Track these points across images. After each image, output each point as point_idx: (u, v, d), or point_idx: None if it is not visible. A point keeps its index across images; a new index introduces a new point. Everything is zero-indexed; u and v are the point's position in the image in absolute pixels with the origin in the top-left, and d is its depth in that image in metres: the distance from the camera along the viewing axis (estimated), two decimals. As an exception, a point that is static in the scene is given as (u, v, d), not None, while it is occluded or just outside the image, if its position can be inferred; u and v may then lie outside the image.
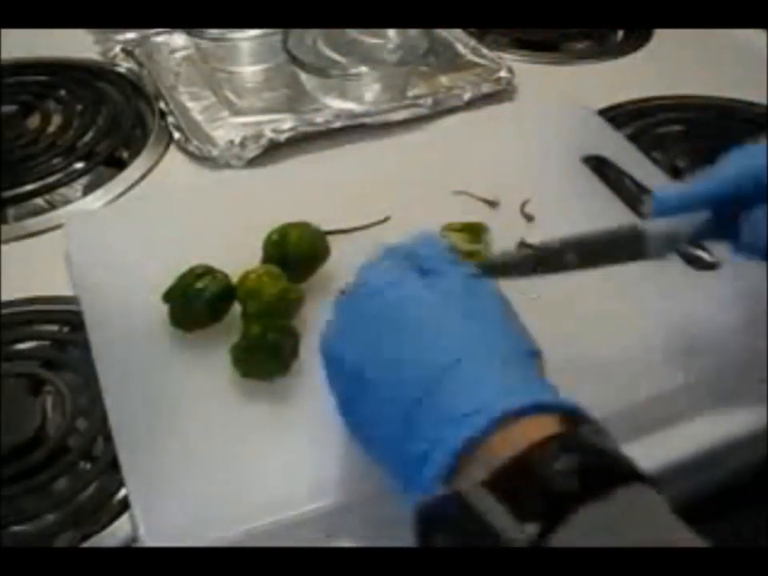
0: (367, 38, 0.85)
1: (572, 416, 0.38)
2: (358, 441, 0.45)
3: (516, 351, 0.42)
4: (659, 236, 0.50)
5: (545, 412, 0.38)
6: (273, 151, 0.75)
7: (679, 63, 0.88)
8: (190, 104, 0.81)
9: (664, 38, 0.93)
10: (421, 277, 0.45)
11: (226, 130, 0.77)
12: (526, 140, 0.74)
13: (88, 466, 0.53)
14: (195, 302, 0.56)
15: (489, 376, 0.40)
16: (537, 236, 0.64)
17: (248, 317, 0.56)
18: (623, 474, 0.36)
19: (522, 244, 0.63)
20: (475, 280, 0.45)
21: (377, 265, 0.46)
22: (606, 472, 0.35)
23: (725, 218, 0.50)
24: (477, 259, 0.62)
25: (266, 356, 0.54)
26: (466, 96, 0.82)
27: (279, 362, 0.54)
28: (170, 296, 0.57)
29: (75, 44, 0.90)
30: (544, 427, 0.37)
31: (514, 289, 0.48)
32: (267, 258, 0.59)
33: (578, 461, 0.35)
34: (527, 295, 0.58)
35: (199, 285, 0.56)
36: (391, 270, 0.46)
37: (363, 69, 0.81)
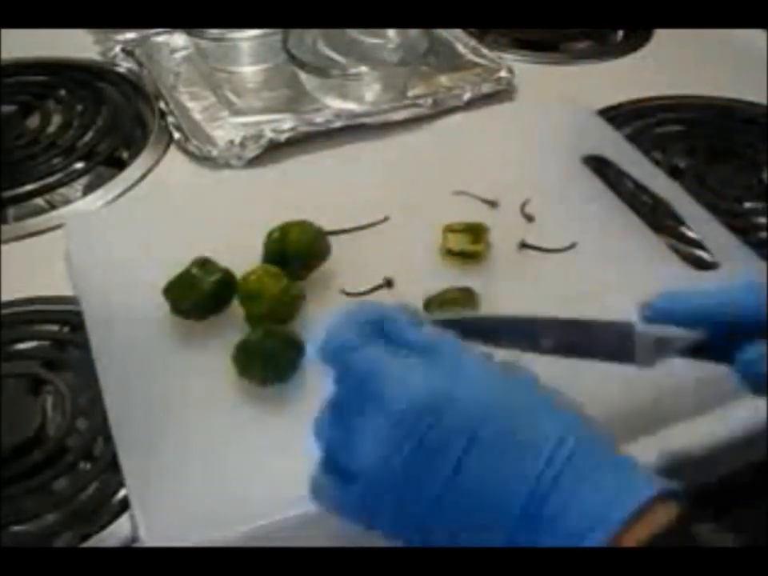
0: (367, 37, 0.85)
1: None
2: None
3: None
4: (648, 341, 0.46)
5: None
6: (273, 151, 0.75)
7: (679, 63, 0.88)
8: (190, 104, 0.81)
9: (664, 38, 0.93)
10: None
11: (226, 130, 0.77)
12: (525, 140, 0.74)
13: (88, 466, 0.53)
14: (196, 287, 0.57)
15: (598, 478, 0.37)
16: (537, 236, 0.65)
17: (251, 318, 0.56)
18: None
19: (523, 244, 0.64)
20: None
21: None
22: None
23: (721, 341, 0.45)
24: (477, 260, 0.62)
25: (262, 363, 0.53)
26: (466, 96, 0.82)
27: (275, 372, 0.54)
28: (170, 286, 0.57)
29: (75, 44, 0.90)
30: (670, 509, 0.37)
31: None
32: (267, 257, 0.60)
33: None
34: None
35: (200, 272, 0.57)
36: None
37: (363, 69, 0.81)
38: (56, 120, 0.82)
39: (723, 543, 0.35)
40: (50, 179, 0.75)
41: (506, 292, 0.60)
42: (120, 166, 0.77)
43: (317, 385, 0.53)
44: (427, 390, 0.38)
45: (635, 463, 0.39)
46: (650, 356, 0.46)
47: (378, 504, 0.39)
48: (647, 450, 0.51)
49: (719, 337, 0.45)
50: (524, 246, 0.63)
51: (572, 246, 0.63)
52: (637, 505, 0.36)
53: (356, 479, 0.39)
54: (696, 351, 0.46)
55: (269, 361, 0.53)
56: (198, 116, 0.79)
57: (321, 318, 0.43)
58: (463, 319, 0.46)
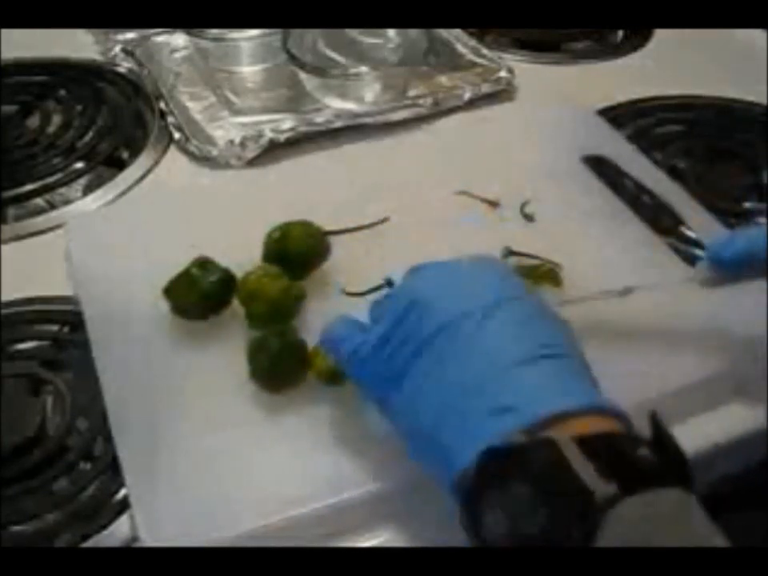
0: (367, 38, 0.85)
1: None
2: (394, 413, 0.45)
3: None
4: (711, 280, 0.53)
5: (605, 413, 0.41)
6: (273, 151, 0.75)
7: (679, 63, 0.88)
8: (189, 104, 0.81)
9: (664, 38, 0.93)
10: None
11: (226, 130, 0.77)
12: (525, 140, 0.74)
13: (88, 466, 0.53)
14: (196, 287, 0.57)
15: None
16: (537, 236, 0.65)
17: (251, 318, 0.56)
18: (688, 477, 0.39)
19: (508, 251, 0.63)
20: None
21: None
22: (676, 469, 0.39)
23: None
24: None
25: (268, 367, 0.53)
26: (466, 96, 0.82)
27: (280, 378, 0.54)
28: (170, 286, 0.57)
29: (75, 44, 0.90)
30: (612, 423, 0.40)
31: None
32: (268, 256, 0.60)
33: (652, 455, 0.38)
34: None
35: (200, 272, 0.57)
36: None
37: (363, 69, 0.81)
38: (56, 120, 0.82)
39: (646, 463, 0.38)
40: (50, 179, 0.75)
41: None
42: (120, 165, 0.77)
43: (320, 385, 0.54)
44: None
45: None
46: (710, 283, 0.52)
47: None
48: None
49: None
50: (511, 253, 0.63)
51: (555, 263, 0.63)
52: (563, 409, 0.40)
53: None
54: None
55: (274, 366, 0.53)
56: (198, 116, 0.79)
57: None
58: None
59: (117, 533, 0.49)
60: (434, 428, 0.42)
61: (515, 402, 0.40)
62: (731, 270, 0.51)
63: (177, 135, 0.77)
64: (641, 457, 0.38)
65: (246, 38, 0.86)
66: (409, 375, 0.44)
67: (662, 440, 0.40)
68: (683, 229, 0.66)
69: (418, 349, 0.43)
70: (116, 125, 0.81)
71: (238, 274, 0.58)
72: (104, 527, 0.49)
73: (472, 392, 0.41)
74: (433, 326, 0.43)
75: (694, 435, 0.53)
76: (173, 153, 0.77)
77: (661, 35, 0.94)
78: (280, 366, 0.53)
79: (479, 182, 0.69)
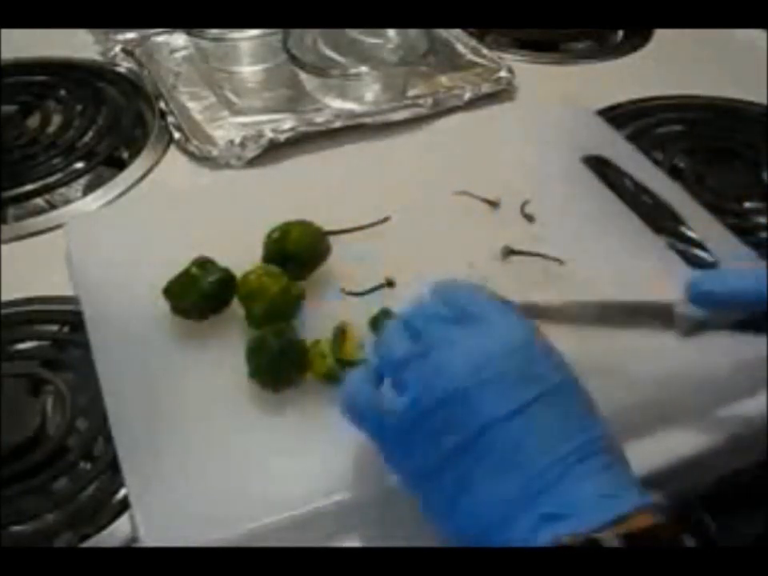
0: (367, 37, 0.85)
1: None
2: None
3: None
4: (689, 320, 0.49)
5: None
6: (273, 151, 0.75)
7: (679, 63, 0.88)
8: (190, 104, 0.81)
9: (664, 38, 0.93)
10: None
11: (226, 130, 0.77)
12: (526, 140, 0.74)
13: (88, 466, 0.53)
14: (196, 287, 0.57)
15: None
16: (537, 236, 0.65)
17: (251, 318, 0.56)
18: None
19: (508, 251, 0.63)
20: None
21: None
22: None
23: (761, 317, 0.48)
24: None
25: (267, 366, 0.53)
26: (466, 96, 0.82)
27: (279, 378, 0.54)
28: (170, 286, 0.57)
29: (75, 44, 0.90)
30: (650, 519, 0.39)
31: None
32: (268, 256, 0.60)
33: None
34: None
35: (200, 272, 0.57)
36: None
37: (363, 69, 0.81)
38: (56, 120, 0.82)
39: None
40: (50, 179, 0.75)
41: (505, 292, 0.60)
42: (120, 165, 0.77)
43: (320, 385, 0.54)
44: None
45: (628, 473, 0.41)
46: (688, 331, 0.49)
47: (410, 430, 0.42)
48: (648, 450, 0.51)
49: (758, 314, 0.47)
50: (511, 252, 0.63)
51: (558, 260, 0.63)
52: (616, 514, 0.38)
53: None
54: (735, 327, 0.49)
55: (273, 365, 0.53)
56: (198, 116, 0.79)
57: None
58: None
59: (117, 533, 0.49)
60: (480, 534, 0.40)
61: (568, 510, 0.38)
62: (715, 307, 0.49)
63: (177, 135, 0.77)
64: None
65: (246, 38, 0.86)
66: (448, 472, 0.41)
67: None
68: (683, 229, 0.66)
69: (458, 446, 0.41)
70: (116, 125, 0.81)
71: (238, 274, 0.58)
72: (104, 527, 0.49)
73: (520, 499, 0.39)
74: (474, 425, 0.40)
75: (689, 438, 0.53)
76: (173, 153, 0.77)
77: (661, 35, 0.94)
78: (279, 366, 0.53)
79: (479, 182, 0.69)
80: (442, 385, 0.42)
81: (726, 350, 0.54)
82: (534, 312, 0.49)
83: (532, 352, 0.43)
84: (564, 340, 0.45)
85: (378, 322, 0.55)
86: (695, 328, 0.49)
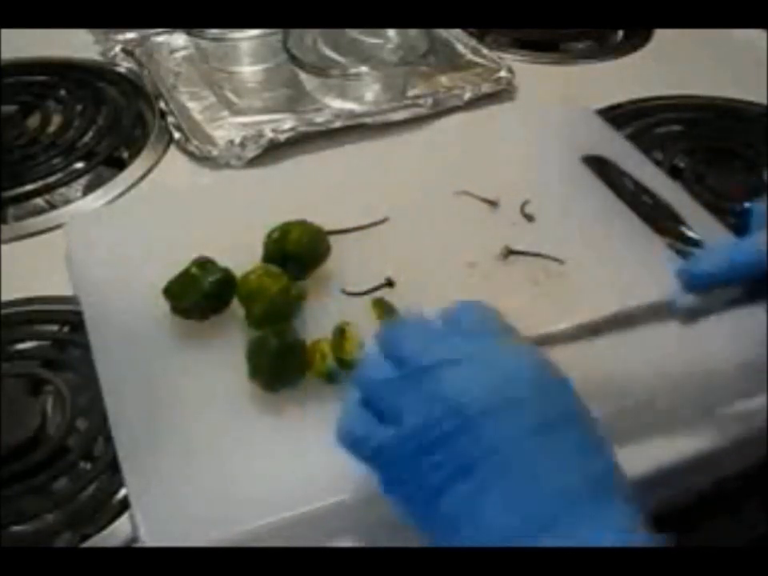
0: (367, 37, 0.85)
1: None
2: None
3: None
4: (686, 311, 0.49)
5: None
6: (273, 151, 0.75)
7: (679, 63, 0.88)
8: (190, 104, 0.81)
9: (664, 38, 0.93)
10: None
11: (226, 130, 0.77)
12: (526, 140, 0.74)
13: (88, 466, 0.53)
14: (196, 287, 0.57)
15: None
16: (537, 236, 0.65)
17: (251, 318, 0.56)
18: None
19: (508, 251, 0.63)
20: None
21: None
22: None
23: (760, 285, 0.47)
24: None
25: (267, 366, 0.53)
26: (466, 96, 0.82)
27: (279, 378, 0.54)
28: (170, 286, 0.57)
29: (75, 44, 0.90)
30: None
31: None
32: (268, 256, 0.60)
33: None
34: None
35: (200, 272, 0.57)
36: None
37: (363, 69, 0.81)
38: (56, 120, 0.82)
39: None
40: (50, 179, 0.75)
41: (505, 292, 0.60)
42: (120, 165, 0.77)
43: (319, 386, 0.54)
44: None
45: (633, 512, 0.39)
46: (688, 319, 0.49)
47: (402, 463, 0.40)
48: (649, 449, 0.51)
49: (755, 286, 0.47)
50: (511, 252, 0.63)
51: (558, 260, 0.63)
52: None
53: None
54: (733, 303, 0.48)
55: (275, 366, 0.53)
56: (198, 116, 0.79)
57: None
58: None
59: (117, 533, 0.49)
60: None
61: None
62: (704, 288, 0.48)
63: (177, 135, 0.77)
64: None
65: (246, 38, 0.86)
66: (449, 499, 0.39)
67: None
68: (683, 229, 0.66)
69: (458, 470, 0.39)
70: (116, 125, 0.81)
71: (238, 274, 0.58)
72: (104, 527, 0.49)
73: (523, 532, 0.37)
74: (479, 448, 0.39)
75: (689, 438, 0.53)
76: (173, 153, 0.77)
77: (661, 35, 0.94)
78: (279, 366, 0.53)
79: (479, 182, 0.69)
80: (444, 413, 0.39)
81: (725, 351, 0.54)
82: (539, 340, 0.47)
83: (539, 379, 0.41)
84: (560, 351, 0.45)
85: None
86: (693, 315, 0.49)
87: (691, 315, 0.49)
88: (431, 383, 0.40)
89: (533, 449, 0.38)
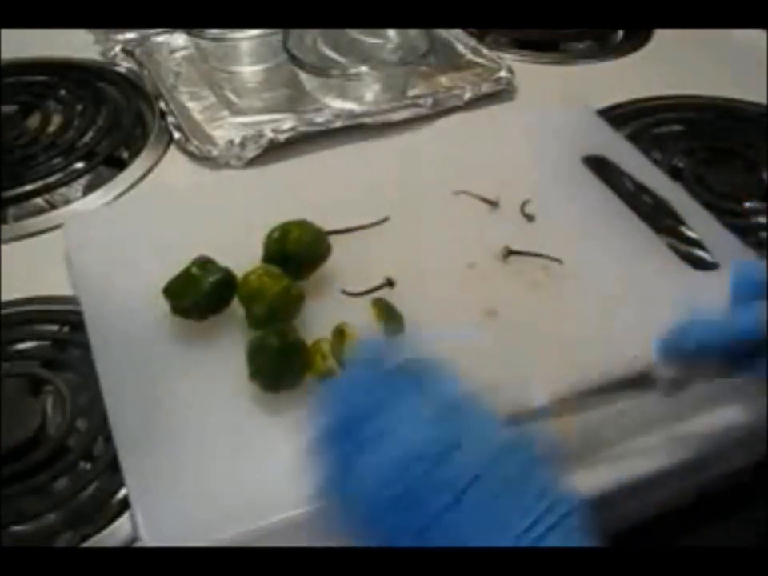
0: (367, 37, 0.85)
1: None
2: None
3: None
4: (667, 380, 0.48)
5: None
6: (273, 151, 0.75)
7: (679, 63, 0.88)
8: (190, 104, 0.81)
9: (664, 38, 0.93)
10: None
11: (226, 130, 0.77)
12: (525, 140, 0.74)
13: (88, 466, 0.53)
14: (196, 287, 0.57)
15: None
16: (537, 236, 0.65)
17: (251, 318, 0.56)
18: None
19: (508, 251, 0.63)
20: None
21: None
22: None
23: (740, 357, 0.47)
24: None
25: (267, 367, 0.53)
26: (466, 96, 0.82)
27: (280, 378, 0.54)
28: (170, 286, 0.57)
29: (75, 44, 0.90)
30: None
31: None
32: (268, 256, 0.60)
33: None
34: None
35: (200, 272, 0.57)
36: None
37: (363, 69, 0.81)
38: (56, 120, 0.82)
39: None
40: (50, 179, 0.75)
41: (505, 292, 0.60)
42: (120, 165, 0.77)
43: (317, 386, 0.54)
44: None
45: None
46: (671, 389, 0.48)
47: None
48: (650, 449, 0.51)
49: (737, 356, 0.46)
50: (511, 252, 0.63)
51: (558, 260, 0.63)
52: None
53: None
54: (719, 376, 0.48)
55: (281, 363, 0.53)
56: (198, 116, 0.79)
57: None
58: None
59: (117, 533, 0.49)
60: None
61: None
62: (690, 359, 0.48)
63: (177, 135, 0.77)
64: None
65: (246, 38, 0.86)
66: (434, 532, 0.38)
67: None
68: (683, 229, 0.66)
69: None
70: (116, 125, 0.81)
71: (238, 273, 0.58)
72: (104, 527, 0.49)
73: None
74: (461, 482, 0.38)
75: (690, 437, 0.53)
76: (173, 153, 0.77)
77: (661, 35, 0.94)
78: (280, 367, 0.53)
79: (479, 182, 0.69)
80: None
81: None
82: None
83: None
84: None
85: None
86: (676, 386, 0.48)
87: (672, 386, 0.48)
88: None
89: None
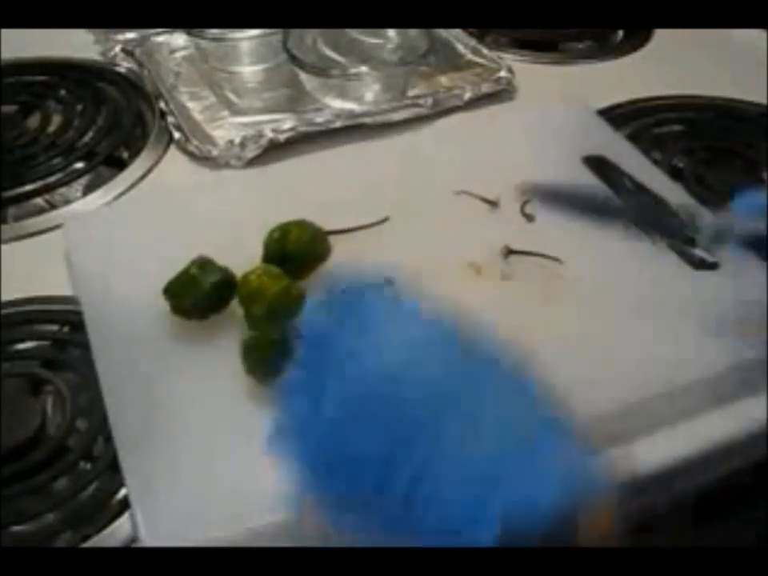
0: (367, 37, 0.85)
1: None
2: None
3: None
4: (710, 230, 0.49)
5: None
6: (273, 151, 0.75)
7: (679, 63, 0.88)
8: (190, 104, 0.81)
9: (664, 38, 0.93)
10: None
11: (226, 130, 0.77)
12: (525, 140, 0.74)
13: (88, 466, 0.53)
14: (196, 287, 0.57)
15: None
16: (537, 236, 0.65)
17: (251, 318, 0.56)
18: None
19: (508, 251, 0.63)
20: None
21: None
22: None
23: None
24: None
25: (268, 356, 0.53)
26: (466, 96, 0.82)
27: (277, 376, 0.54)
28: (170, 286, 0.57)
29: (75, 44, 0.90)
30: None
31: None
32: (268, 256, 0.60)
33: None
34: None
35: (200, 272, 0.57)
36: None
37: (363, 69, 0.81)
38: (56, 120, 0.82)
39: None
40: (50, 179, 0.75)
41: (505, 292, 0.60)
42: (120, 165, 0.77)
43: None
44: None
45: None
46: (712, 243, 0.50)
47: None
48: (650, 449, 0.51)
49: None
50: (511, 252, 0.63)
51: (558, 260, 0.63)
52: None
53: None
54: (757, 245, 0.48)
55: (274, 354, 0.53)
56: (198, 116, 0.79)
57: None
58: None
59: (117, 533, 0.49)
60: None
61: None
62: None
63: (177, 135, 0.77)
64: None
65: (246, 38, 0.86)
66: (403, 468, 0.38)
67: None
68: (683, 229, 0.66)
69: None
70: (116, 125, 0.81)
71: (238, 274, 0.58)
72: (104, 527, 0.49)
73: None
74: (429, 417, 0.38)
75: (689, 438, 0.53)
76: (173, 153, 0.77)
77: (661, 35, 0.94)
78: (275, 361, 0.53)
79: (479, 181, 0.69)
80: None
81: (724, 350, 0.54)
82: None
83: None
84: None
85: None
86: (717, 239, 0.49)
87: (712, 238, 0.50)
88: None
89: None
